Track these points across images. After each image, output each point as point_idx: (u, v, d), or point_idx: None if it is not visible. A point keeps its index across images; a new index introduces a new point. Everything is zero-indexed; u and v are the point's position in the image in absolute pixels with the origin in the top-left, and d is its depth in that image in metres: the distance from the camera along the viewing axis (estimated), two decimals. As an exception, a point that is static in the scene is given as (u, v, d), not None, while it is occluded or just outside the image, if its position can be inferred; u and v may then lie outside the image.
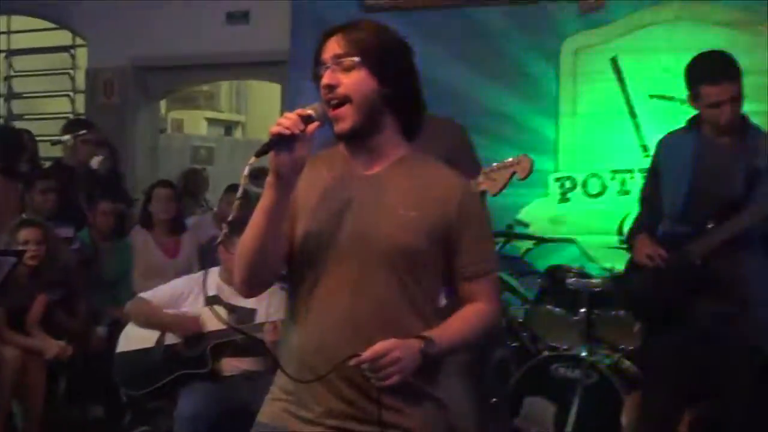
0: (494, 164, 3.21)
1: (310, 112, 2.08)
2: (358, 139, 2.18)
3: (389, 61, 2.15)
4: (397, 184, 2.18)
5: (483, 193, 3.17)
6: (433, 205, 2.17)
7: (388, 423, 2.13)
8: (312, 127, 2.06)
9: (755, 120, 3.69)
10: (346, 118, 2.13)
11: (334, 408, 2.15)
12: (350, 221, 2.15)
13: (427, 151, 3.15)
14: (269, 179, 2.07)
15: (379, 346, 2.06)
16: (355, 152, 2.21)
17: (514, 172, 3.20)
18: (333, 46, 2.14)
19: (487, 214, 3.39)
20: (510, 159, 3.21)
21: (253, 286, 2.23)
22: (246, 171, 2.05)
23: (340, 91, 2.12)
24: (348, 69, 2.12)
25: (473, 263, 2.23)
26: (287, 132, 2.02)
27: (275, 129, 2.03)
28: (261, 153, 2.04)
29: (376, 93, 2.13)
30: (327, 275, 2.16)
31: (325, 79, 2.13)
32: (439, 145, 3.21)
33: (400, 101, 2.18)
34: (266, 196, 2.09)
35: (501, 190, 3.19)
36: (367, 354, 2.05)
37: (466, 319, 2.24)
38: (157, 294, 4.50)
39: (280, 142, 2.03)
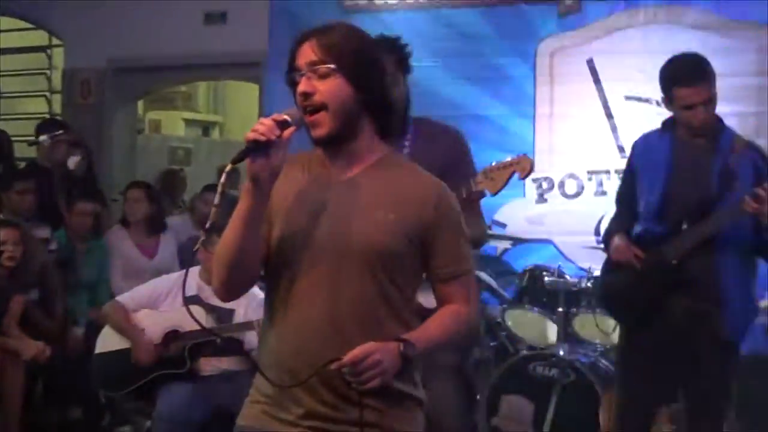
0: (493, 163, 3.20)
1: (285, 117, 2.08)
2: (336, 144, 2.19)
3: (364, 66, 2.16)
4: (374, 186, 2.19)
5: (482, 193, 3.17)
6: (409, 206, 2.18)
7: (368, 423, 2.14)
8: (288, 132, 2.07)
9: (730, 121, 3.73)
10: (323, 125, 2.14)
11: (314, 410, 2.15)
12: (327, 224, 2.16)
13: (424, 155, 3.19)
14: (246, 185, 2.07)
15: (359, 350, 2.06)
16: (333, 155, 2.22)
17: (514, 172, 3.18)
18: (307, 52, 2.14)
19: (481, 214, 3.41)
20: (509, 158, 3.19)
21: (231, 290, 2.24)
22: (223, 178, 2.05)
23: (317, 98, 2.12)
24: (324, 76, 2.13)
25: (449, 265, 2.24)
26: (263, 138, 2.02)
27: (251, 135, 2.03)
28: (237, 160, 2.04)
29: (352, 99, 2.14)
30: (303, 278, 2.16)
31: (301, 87, 2.13)
32: (437, 150, 3.24)
33: (376, 105, 2.19)
34: (243, 202, 2.10)
35: (500, 189, 3.17)
36: (347, 358, 2.06)
37: (443, 321, 2.25)
38: (136, 295, 4.49)
39: (256, 148, 2.03)
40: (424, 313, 3.24)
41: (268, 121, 2.05)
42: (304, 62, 2.14)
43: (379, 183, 2.20)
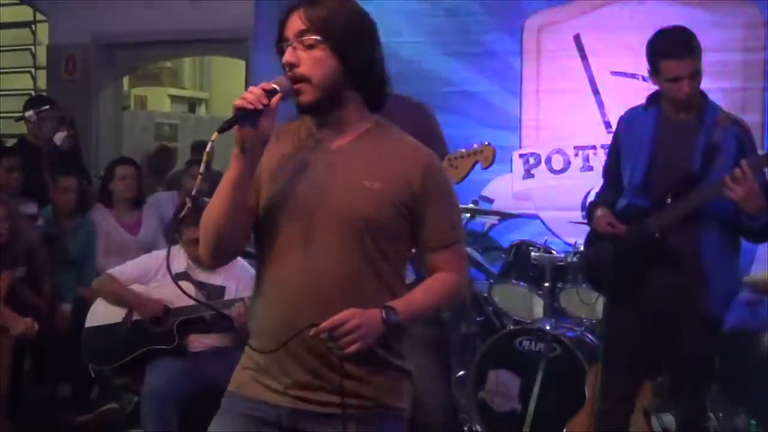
0: (459, 150, 3.24)
1: (274, 85, 2.10)
2: (322, 113, 2.21)
3: (352, 38, 2.16)
4: (362, 156, 2.21)
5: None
6: (397, 176, 2.19)
7: (349, 392, 2.16)
8: (275, 100, 2.08)
9: (716, 97, 3.75)
10: (305, 94, 2.16)
11: (299, 379, 2.18)
12: (313, 193, 2.17)
13: None
14: (234, 151, 2.09)
15: (338, 316, 2.09)
16: (321, 125, 2.23)
17: (477, 161, 3.26)
18: (296, 23, 2.15)
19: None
20: (474, 147, 3.26)
21: (217, 256, 2.27)
22: (209, 147, 2.07)
23: (300, 70, 2.14)
24: (309, 47, 2.14)
25: (438, 234, 2.25)
26: (251, 106, 2.05)
27: (239, 103, 2.05)
28: (225, 128, 2.05)
29: (336, 71, 2.15)
30: (289, 247, 2.18)
31: (286, 57, 2.15)
32: (404, 125, 3.24)
33: (363, 77, 2.20)
34: (231, 168, 2.11)
35: (464, 178, 3.24)
36: (325, 324, 2.08)
37: (431, 288, 2.27)
38: (125, 271, 4.49)
39: (244, 116, 2.05)
40: None
41: (256, 90, 2.07)
42: (291, 32, 2.15)
43: (367, 153, 2.21)
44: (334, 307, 2.11)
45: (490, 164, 3.29)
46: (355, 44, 2.16)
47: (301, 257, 2.16)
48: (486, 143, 3.32)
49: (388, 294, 2.20)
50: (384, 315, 2.14)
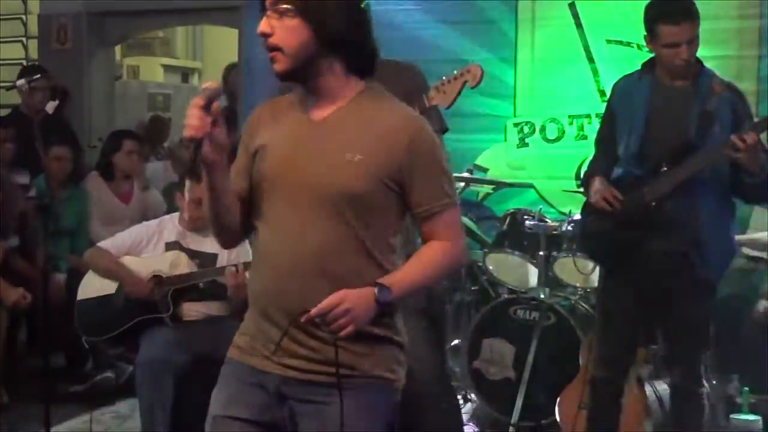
0: (444, 78, 3.20)
1: (205, 98, 2.10)
2: (299, 80, 2.21)
3: (326, 5, 2.13)
4: (345, 127, 2.19)
5: (436, 108, 3.19)
6: (380, 146, 2.17)
7: (344, 365, 2.16)
8: (215, 107, 2.11)
9: (712, 65, 3.72)
10: (279, 63, 2.16)
11: (293, 350, 2.19)
12: (299, 166, 2.17)
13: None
14: (202, 165, 2.15)
15: (327, 300, 2.09)
16: (308, 95, 2.23)
17: (465, 82, 3.20)
18: None
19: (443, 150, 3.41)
20: (460, 69, 3.22)
21: (225, 243, 2.41)
22: (190, 153, 2.13)
23: (272, 40, 2.14)
24: (283, 15, 2.13)
25: (429, 202, 2.22)
26: (201, 134, 2.09)
27: (188, 134, 2.09)
28: (195, 165, 2.13)
29: (309, 41, 2.13)
30: (274, 220, 2.20)
31: (260, 27, 2.15)
32: (395, 89, 3.21)
33: (342, 44, 2.17)
34: (205, 183, 2.19)
35: (453, 101, 3.20)
36: (315, 309, 2.09)
37: (425, 260, 2.25)
38: (117, 241, 4.48)
39: (199, 142, 2.09)
40: None
41: (195, 112, 2.09)
42: (269, 1, 2.15)
43: (350, 123, 2.19)
44: (316, 280, 2.13)
45: (479, 82, 3.21)
46: (330, 11, 2.13)
47: (285, 230, 2.18)
48: (473, 63, 3.28)
49: (374, 266, 2.19)
50: (377, 293, 2.13)
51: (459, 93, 3.18)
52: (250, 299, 2.30)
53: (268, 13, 2.14)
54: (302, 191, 2.16)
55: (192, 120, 2.08)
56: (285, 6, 2.12)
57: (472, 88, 3.22)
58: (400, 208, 2.23)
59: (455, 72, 3.22)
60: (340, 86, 2.21)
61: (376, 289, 2.13)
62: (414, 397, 3.31)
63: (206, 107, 2.09)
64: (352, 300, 2.09)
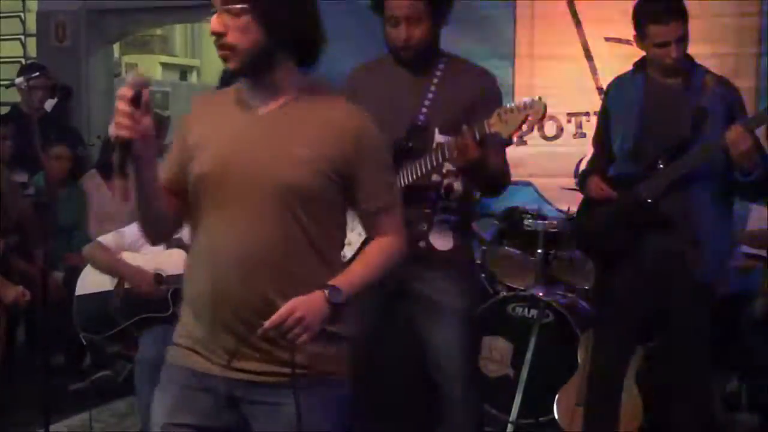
0: (509, 104, 3.00)
1: (132, 91, 2.00)
2: (252, 76, 2.19)
3: (278, 5, 2.12)
4: (292, 122, 2.18)
5: (495, 135, 2.97)
6: (327, 141, 2.17)
7: (299, 364, 2.15)
8: (145, 98, 2.01)
9: (709, 62, 3.73)
10: (233, 62, 2.14)
11: (238, 351, 2.17)
12: (240, 162, 2.15)
13: (450, 91, 3.16)
14: (131, 162, 2.05)
15: (279, 313, 2.08)
16: (252, 89, 2.21)
17: (528, 116, 2.92)
18: None
19: (502, 157, 3.25)
20: (524, 100, 2.95)
21: (154, 240, 2.36)
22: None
23: (227, 39, 2.12)
24: (236, 14, 2.11)
25: (374, 198, 2.24)
26: (131, 135, 1.99)
27: (120, 134, 1.98)
28: (123, 165, 2.01)
29: (263, 39, 2.12)
30: (217, 216, 2.17)
31: (213, 26, 2.13)
32: (464, 88, 3.20)
33: (294, 40, 2.17)
34: (134, 178, 2.09)
35: (512, 135, 2.96)
36: (268, 323, 2.08)
37: (373, 256, 2.27)
38: (117, 237, 4.47)
39: (129, 142, 2.00)
40: (436, 256, 3.25)
41: (124, 108, 1.98)
42: (220, 0, 2.12)
43: (297, 118, 2.19)
44: (264, 276, 2.12)
45: (540, 120, 2.92)
46: (283, 9, 2.13)
47: (230, 226, 2.15)
48: (538, 98, 2.95)
49: (320, 262, 2.19)
50: (328, 296, 2.13)
51: (520, 128, 2.94)
52: (187, 301, 2.25)
53: (220, 12, 2.12)
54: (250, 187, 2.14)
55: (121, 118, 1.98)
56: (238, 6, 2.10)
57: (532, 128, 2.98)
58: (343, 203, 2.24)
59: (520, 103, 2.96)
60: (288, 81, 2.21)
61: (326, 291, 2.13)
62: (445, 399, 3.33)
63: (135, 100, 2.00)
64: (304, 308, 2.09)
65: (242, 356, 2.17)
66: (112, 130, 1.99)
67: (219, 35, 2.12)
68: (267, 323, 2.08)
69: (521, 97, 3.05)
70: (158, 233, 2.31)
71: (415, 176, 3.15)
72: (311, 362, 2.18)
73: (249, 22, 2.11)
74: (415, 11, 3.11)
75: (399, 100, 3.23)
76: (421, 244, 3.23)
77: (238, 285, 2.13)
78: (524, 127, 2.95)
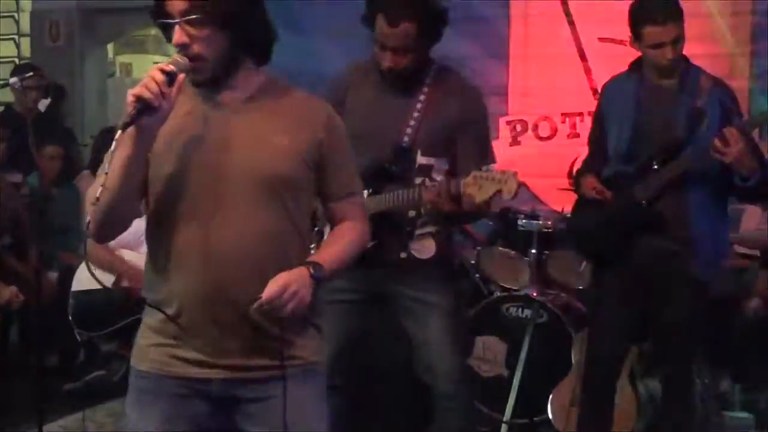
0: (486, 168, 2.97)
1: (172, 67, 2.06)
2: (219, 83, 2.20)
3: (236, 11, 2.13)
4: (263, 112, 2.21)
5: (469, 197, 2.94)
6: (301, 129, 2.21)
7: (288, 356, 2.18)
8: (177, 84, 2.05)
9: (704, 63, 3.73)
10: (202, 72, 2.15)
11: (231, 348, 2.17)
12: (219, 155, 2.15)
13: (440, 107, 3.18)
14: (130, 132, 2.03)
15: (276, 286, 2.09)
16: (216, 87, 2.21)
17: (500, 191, 2.89)
18: (179, 2, 2.11)
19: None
20: (501, 173, 2.91)
21: (107, 234, 2.28)
22: (113, 147, 2.01)
23: (194, 49, 2.12)
24: (198, 26, 2.11)
25: (345, 184, 2.32)
26: (153, 101, 2.00)
27: (144, 94, 1.99)
28: (129, 124, 2.00)
29: (226, 46, 2.14)
30: (198, 212, 2.15)
31: (177, 39, 2.12)
32: (453, 106, 3.23)
33: (253, 42, 2.20)
34: (125, 149, 2.06)
35: (483, 204, 2.93)
36: (265, 296, 2.09)
37: (344, 239, 2.32)
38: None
39: (145, 107, 2.00)
40: (417, 266, 3.27)
41: (158, 76, 2.02)
42: (176, 11, 2.11)
43: (267, 109, 2.22)
44: (263, 267, 2.13)
45: (512, 198, 2.91)
46: (241, 16, 2.14)
47: (217, 220, 2.14)
48: (513, 173, 2.91)
49: (303, 246, 2.25)
50: (312, 272, 2.16)
51: (491, 199, 2.91)
52: (165, 299, 2.20)
53: (181, 24, 2.11)
54: (232, 178, 2.14)
55: (151, 83, 2.00)
56: (197, 17, 2.10)
57: (507, 200, 2.98)
58: (314, 190, 2.29)
59: (497, 172, 2.93)
60: (248, 75, 2.23)
61: (310, 268, 2.16)
62: (435, 396, 3.34)
63: (170, 77, 2.04)
64: (297, 282, 2.12)
65: (230, 351, 2.17)
66: (136, 89, 2.00)
67: (184, 46, 2.12)
68: (264, 296, 2.09)
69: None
70: (112, 226, 2.23)
71: (394, 204, 3.18)
72: (298, 352, 2.21)
73: (212, 32, 2.12)
74: (403, 44, 3.13)
75: (384, 119, 3.25)
76: (402, 255, 3.27)
77: (240, 279, 2.13)
78: (493, 201, 2.96)
